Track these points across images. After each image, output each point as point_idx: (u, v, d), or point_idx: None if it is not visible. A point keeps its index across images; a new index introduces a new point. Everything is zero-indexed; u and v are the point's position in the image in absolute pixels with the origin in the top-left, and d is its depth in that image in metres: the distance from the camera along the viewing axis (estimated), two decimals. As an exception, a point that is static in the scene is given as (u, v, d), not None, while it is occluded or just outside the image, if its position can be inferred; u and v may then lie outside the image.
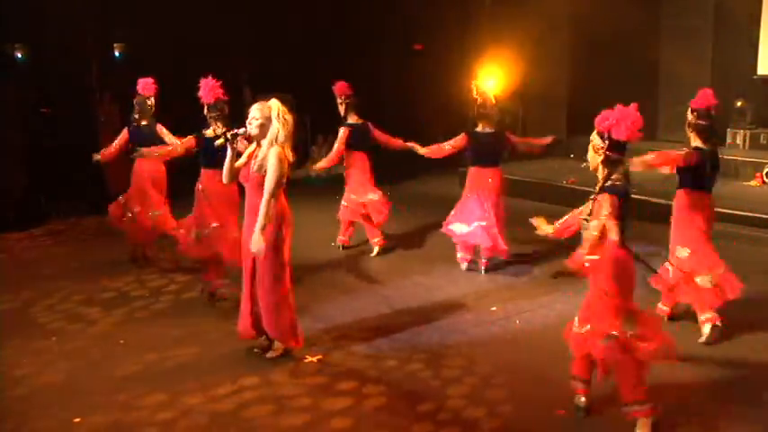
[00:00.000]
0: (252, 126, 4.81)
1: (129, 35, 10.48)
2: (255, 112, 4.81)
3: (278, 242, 4.88)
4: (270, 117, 4.77)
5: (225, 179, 5.03)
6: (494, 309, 6.06)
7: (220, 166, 5.06)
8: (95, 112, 9.75)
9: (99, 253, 7.90)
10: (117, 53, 10.70)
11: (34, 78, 9.72)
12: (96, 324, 5.92)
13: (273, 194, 4.75)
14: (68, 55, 9.64)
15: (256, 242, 4.71)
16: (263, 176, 4.77)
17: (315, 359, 5.13)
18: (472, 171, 6.95)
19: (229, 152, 4.91)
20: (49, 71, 9.74)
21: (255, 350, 5.20)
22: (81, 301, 6.45)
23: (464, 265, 7.05)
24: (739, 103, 10.41)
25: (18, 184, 9.07)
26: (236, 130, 4.88)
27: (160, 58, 10.07)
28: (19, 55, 10.21)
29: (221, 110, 5.92)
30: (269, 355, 5.14)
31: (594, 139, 4.08)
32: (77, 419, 4.37)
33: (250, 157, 4.95)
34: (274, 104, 4.81)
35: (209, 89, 5.84)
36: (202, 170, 6.16)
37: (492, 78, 11.05)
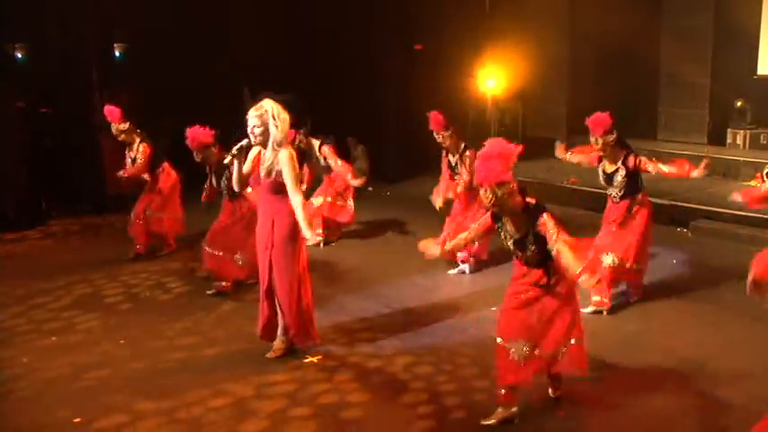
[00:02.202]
0: (255, 135, 4.81)
1: (129, 35, 10.48)
2: (254, 119, 4.79)
3: (295, 237, 4.91)
4: (267, 122, 4.77)
5: (235, 187, 5.14)
6: (494, 309, 6.05)
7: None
8: (95, 112, 9.75)
9: (99, 253, 7.90)
10: (117, 53, 10.70)
11: (34, 78, 9.71)
12: (96, 323, 5.92)
13: (299, 192, 4.81)
14: (68, 55, 9.64)
15: (309, 237, 4.82)
16: (273, 181, 4.82)
17: (315, 359, 5.13)
18: None
19: (236, 164, 4.97)
20: (49, 71, 9.73)
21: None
22: (81, 300, 6.45)
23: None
24: (739, 103, 10.40)
25: (18, 184, 9.06)
26: (240, 144, 4.90)
27: (160, 59, 10.08)
28: (19, 55, 10.21)
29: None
30: (269, 354, 5.15)
31: None
32: (77, 419, 4.38)
33: (255, 162, 4.96)
34: (268, 106, 4.80)
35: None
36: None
37: (492, 78, 11.07)
